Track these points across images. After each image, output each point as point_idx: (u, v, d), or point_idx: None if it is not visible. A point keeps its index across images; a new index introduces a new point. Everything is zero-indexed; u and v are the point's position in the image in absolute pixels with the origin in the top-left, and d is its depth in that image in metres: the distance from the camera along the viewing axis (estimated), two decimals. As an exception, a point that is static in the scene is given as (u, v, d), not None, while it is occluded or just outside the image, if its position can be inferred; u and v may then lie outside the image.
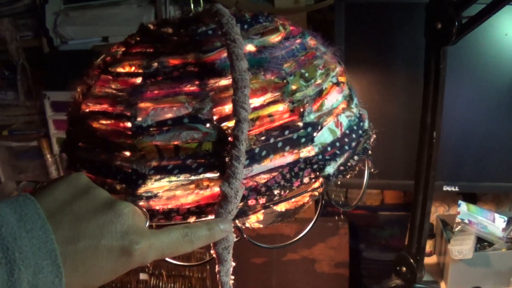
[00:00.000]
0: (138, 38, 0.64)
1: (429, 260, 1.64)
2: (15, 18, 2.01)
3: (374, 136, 0.72)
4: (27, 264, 0.37)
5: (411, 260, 1.25)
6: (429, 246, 1.63)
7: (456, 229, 1.48)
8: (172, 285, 1.93)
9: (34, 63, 2.05)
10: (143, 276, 1.92)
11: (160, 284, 1.93)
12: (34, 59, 2.05)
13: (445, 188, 1.38)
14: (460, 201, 1.45)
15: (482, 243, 1.47)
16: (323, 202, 0.64)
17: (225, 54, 0.57)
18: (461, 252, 1.40)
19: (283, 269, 1.90)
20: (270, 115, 0.57)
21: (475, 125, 1.34)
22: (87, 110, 0.61)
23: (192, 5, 0.66)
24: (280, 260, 1.89)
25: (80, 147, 0.62)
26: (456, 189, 1.39)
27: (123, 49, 0.64)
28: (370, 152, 0.69)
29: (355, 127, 0.67)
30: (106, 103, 0.59)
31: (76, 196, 0.44)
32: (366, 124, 0.70)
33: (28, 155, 2.08)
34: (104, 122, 0.59)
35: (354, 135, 0.66)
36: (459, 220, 1.47)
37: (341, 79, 0.67)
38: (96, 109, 0.60)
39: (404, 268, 1.28)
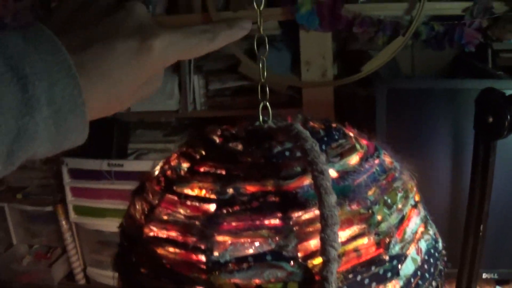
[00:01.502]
0: (204, 153, 0.60)
1: None
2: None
3: (445, 252, 0.68)
4: (40, 78, 0.33)
5: None
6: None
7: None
8: None
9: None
10: None
11: None
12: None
13: (485, 275, 1.33)
14: (497, 286, 1.40)
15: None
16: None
17: (306, 182, 0.53)
18: None
19: None
20: (356, 250, 0.52)
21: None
22: (151, 234, 0.56)
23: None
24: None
25: (142, 273, 0.57)
26: (496, 276, 1.34)
27: (187, 164, 0.60)
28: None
29: (432, 251, 0.62)
30: (174, 231, 0.54)
31: (81, 7, 0.41)
32: (440, 244, 0.66)
33: (42, 220, 2.03)
34: (172, 250, 0.54)
35: (432, 260, 0.61)
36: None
37: (417, 198, 0.63)
38: (163, 236, 0.55)
39: None
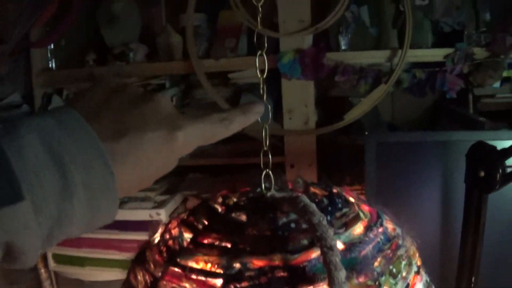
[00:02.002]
0: (206, 223, 0.60)
1: None
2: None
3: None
4: (78, 166, 0.36)
5: None
6: None
7: None
8: None
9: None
10: None
11: None
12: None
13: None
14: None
15: None
16: None
17: (314, 255, 0.53)
18: None
19: None
20: (365, 324, 0.52)
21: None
22: (156, 308, 0.55)
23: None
24: None
25: None
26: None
27: (190, 235, 0.59)
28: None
29: (435, 316, 0.62)
30: (180, 306, 0.53)
31: (111, 95, 0.43)
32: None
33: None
34: (178, 327, 0.53)
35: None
36: None
37: (419, 263, 0.63)
38: (169, 312, 0.54)
39: None
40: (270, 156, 0.62)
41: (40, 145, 0.35)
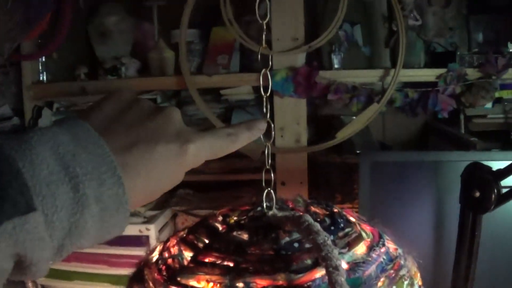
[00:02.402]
0: (207, 241, 0.59)
1: None
2: (2, 138, 1.93)
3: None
4: (90, 178, 0.36)
5: None
6: None
7: None
8: None
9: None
10: None
11: None
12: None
13: None
14: None
15: None
16: None
17: (318, 274, 0.52)
18: None
19: None
20: None
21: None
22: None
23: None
24: None
25: None
26: None
27: (190, 253, 0.58)
28: None
29: None
30: (182, 327, 0.52)
31: (124, 108, 0.44)
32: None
33: (9, 281, 1.93)
34: None
35: None
36: None
37: (420, 282, 0.63)
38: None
39: None
40: (272, 174, 0.62)
41: (53, 157, 0.35)
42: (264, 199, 0.62)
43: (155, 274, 0.59)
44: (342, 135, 1.68)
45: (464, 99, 1.61)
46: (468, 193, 0.98)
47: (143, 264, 0.63)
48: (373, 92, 1.66)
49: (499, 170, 0.96)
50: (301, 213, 0.57)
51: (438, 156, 1.18)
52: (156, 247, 0.65)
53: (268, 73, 0.62)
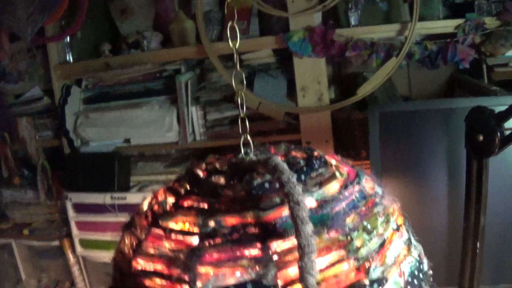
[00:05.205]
0: (188, 187, 0.62)
1: None
2: (34, 118, 2.01)
3: (431, 273, 0.69)
4: None
5: None
6: None
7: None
8: None
9: (54, 163, 2.04)
10: None
11: None
12: (54, 158, 2.05)
13: (487, 292, 1.33)
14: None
15: None
16: None
17: (285, 212, 0.55)
18: None
19: None
20: (336, 276, 0.54)
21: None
22: (139, 268, 0.58)
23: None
24: None
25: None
26: (497, 291, 1.34)
27: (173, 199, 0.62)
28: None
29: (416, 272, 0.63)
30: (160, 263, 0.56)
31: None
32: (425, 265, 0.66)
33: (50, 254, 2.05)
34: (159, 282, 0.56)
35: (416, 281, 0.62)
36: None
37: (399, 221, 0.64)
38: (150, 269, 0.57)
39: None
40: (247, 122, 0.64)
41: None
42: (241, 145, 0.64)
43: (142, 221, 0.63)
44: (363, 91, 1.68)
45: (484, 48, 1.58)
46: (472, 137, 0.98)
47: (136, 213, 0.67)
48: (392, 46, 1.64)
49: (501, 112, 0.95)
50: (272, 156, 0.59)
51: (445, 103, 1.17)
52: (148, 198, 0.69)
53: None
